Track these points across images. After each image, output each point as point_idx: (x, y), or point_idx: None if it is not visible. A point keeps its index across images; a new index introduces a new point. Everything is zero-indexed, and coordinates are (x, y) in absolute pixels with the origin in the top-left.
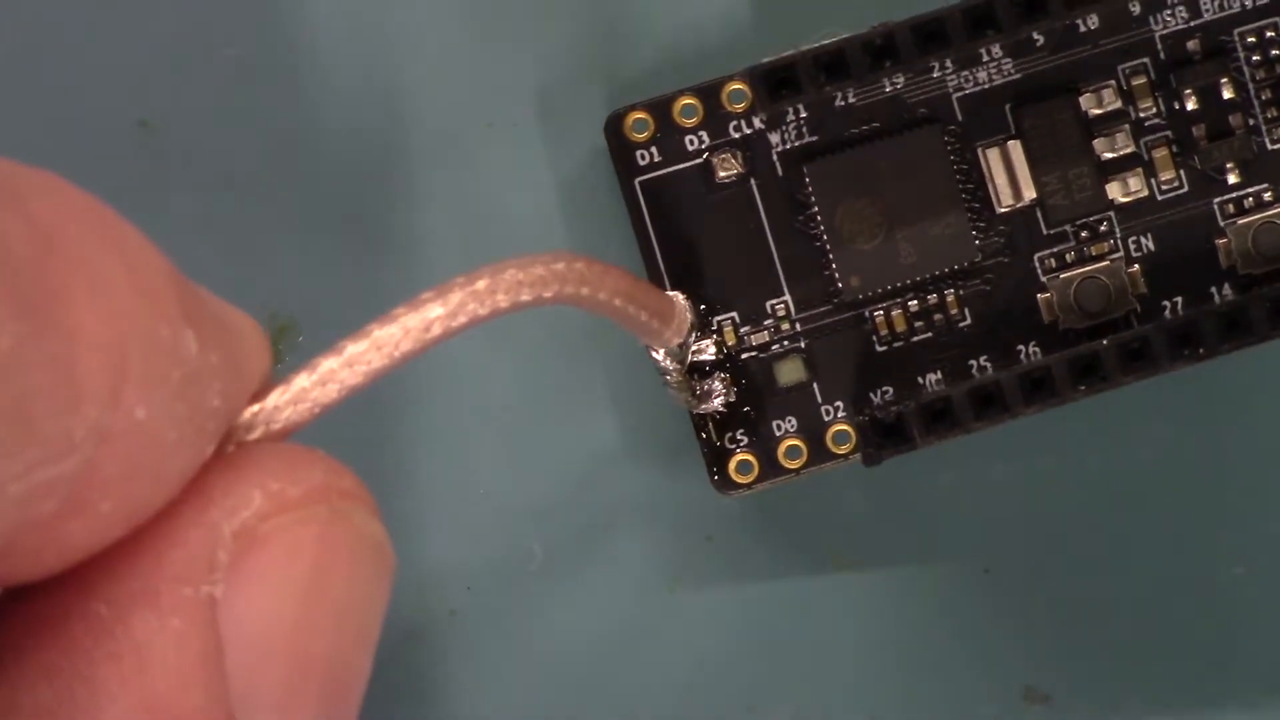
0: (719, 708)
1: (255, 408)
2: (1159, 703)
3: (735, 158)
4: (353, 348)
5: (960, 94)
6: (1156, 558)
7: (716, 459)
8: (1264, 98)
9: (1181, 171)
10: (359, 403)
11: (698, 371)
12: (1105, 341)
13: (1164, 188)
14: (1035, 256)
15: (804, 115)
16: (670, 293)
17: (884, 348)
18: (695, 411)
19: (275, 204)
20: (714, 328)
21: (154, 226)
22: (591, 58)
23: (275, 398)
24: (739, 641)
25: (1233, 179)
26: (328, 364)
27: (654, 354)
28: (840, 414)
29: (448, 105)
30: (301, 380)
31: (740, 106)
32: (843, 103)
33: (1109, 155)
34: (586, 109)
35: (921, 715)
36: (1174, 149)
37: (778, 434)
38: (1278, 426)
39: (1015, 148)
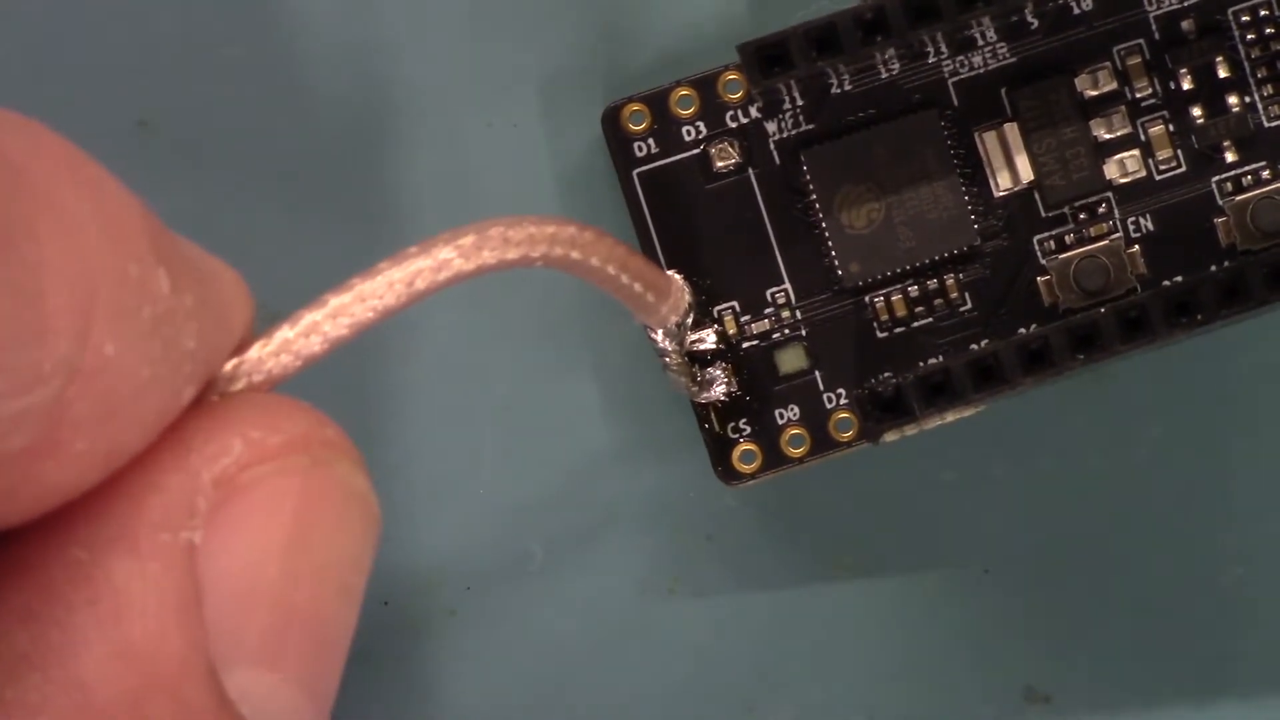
0: (719, 708)
1: (237, 359)
2: (1159, 703)
3: (732, 147)
4: (335, 300)
5: (956, 79)
6: (1156, 558)
7: (719, 449)
8: (1259, 75)
9: (1179, 151)
10: (356, 401)
11: (699, 361)
12: (1103, 310)
13: (1162, 167)
14: (1034, 239)
15: (800, 104)
16: (668, 271)
17: (885, 334)
18: (697, 401)
19: (274, 203)
20: (714, 317)
21: None
22: (589, 53)
23: (257, 349)
24: (739, 641)
25: (1230, 157)
26: (310, 316)
27: (652, 335)
28: (843, 401)
29: (447, 103)
30: (284, 332)
31: (736, 96)
32: (839, 90)
33: (1106, 136)
34: (584, 104)
35: (921, 715)
36: (1171, 128)
37: (780, 423)
38: (1278, 426)
39: (1012, 130)
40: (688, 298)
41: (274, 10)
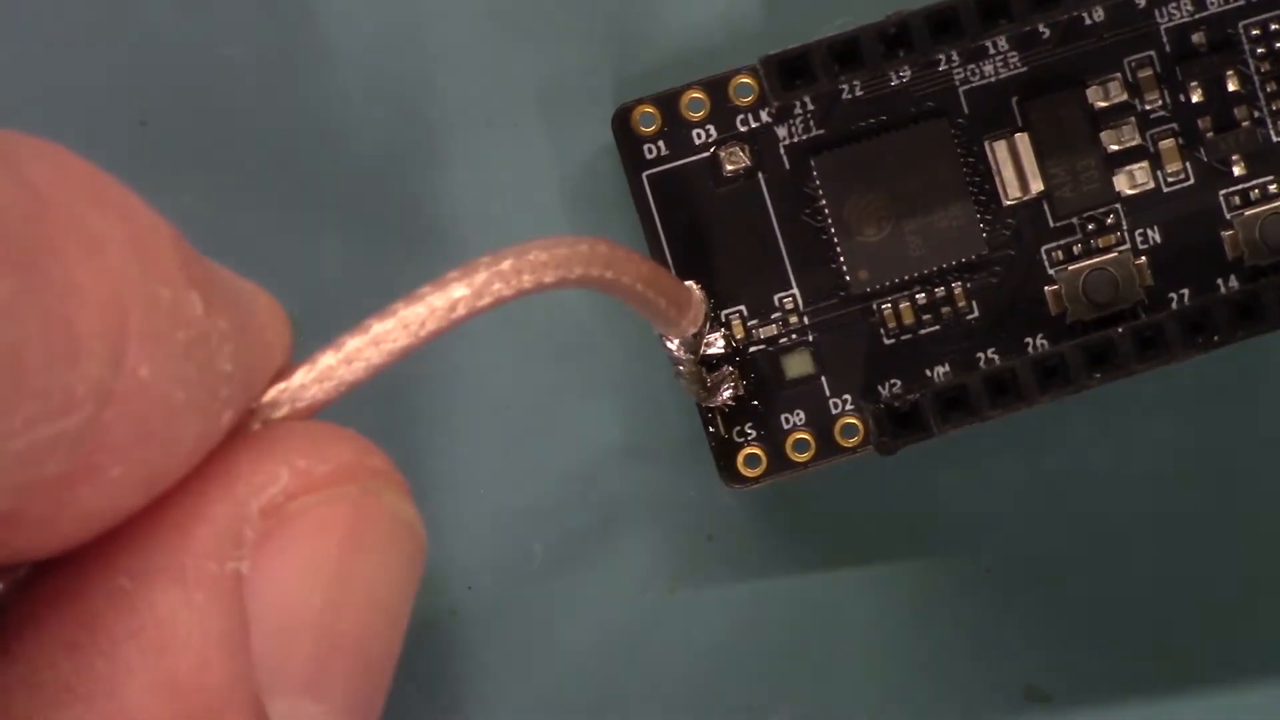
0: (718, 707)
1: (280, 386)
2: (1159, 702)
3: (742, 151)
4: (379, 326)
5: (967, 87)
6: (1157, 558)
7: (724, 452)
8: (1269, 90)
9: (1188, 164)
10: (358, 401)
11: (706, 364)
12: (1120, 329)
13: (1170, 180)
14: (1042, 249)
15: (811, 109)
16: (686, 282)
17: (892, 340)
18: (704, 405)
19: (276, 204)
20: (722, 321)
21: None
22: (598, 55)
23: (300, 376)
24: (738, 641)
25: (1239, 171)
26: (354, 342)
27: (668, 344)
28: (848, 407)
29: (451, 103)
30: (327, 358)
31: (747, 100)
32: (850, 96)
33: (1115, 148)
34: (593, 106)
35: (922, 715)
36: (1180, 141)
37: (786, 427)
38: (1279, 425)
39: (1022, 140)
40: (705, 309)
41: (275, 11)
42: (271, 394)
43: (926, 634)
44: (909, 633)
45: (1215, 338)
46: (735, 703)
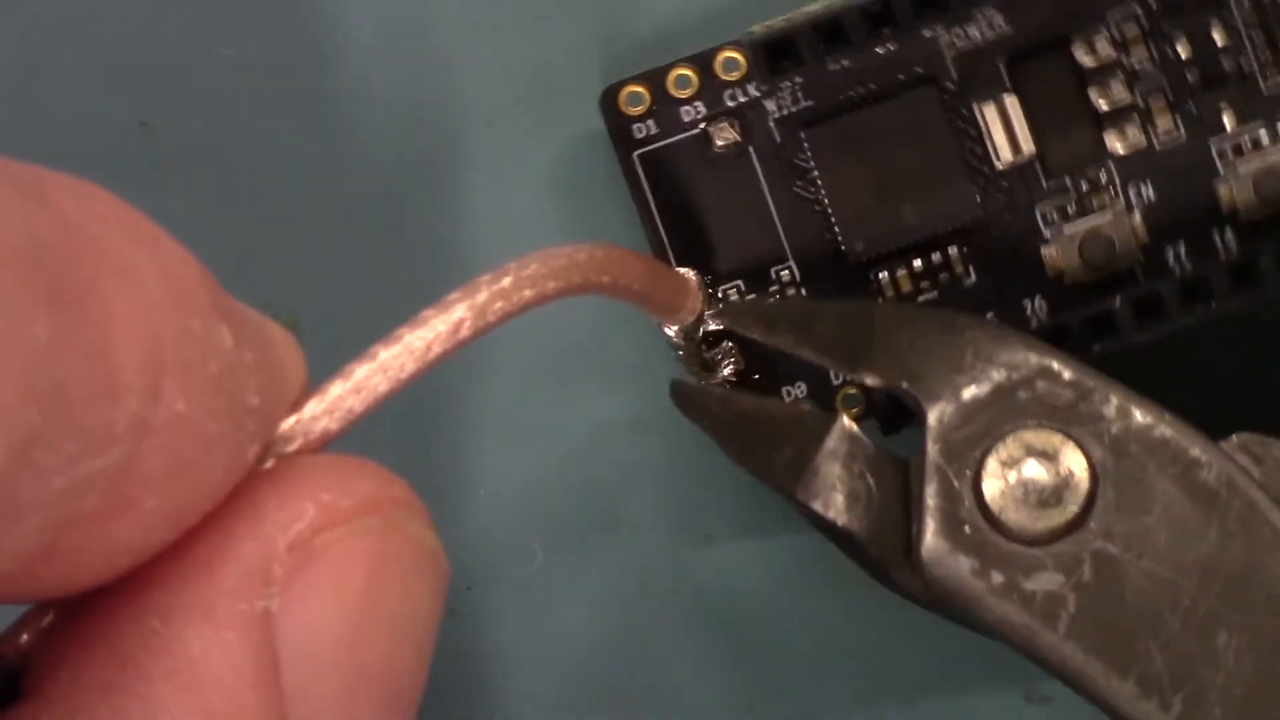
0: (719, 707)
1: (293, 419)
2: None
3: (732, 126)
4: (385, 353)
5: (954, 52)
6: None
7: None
8: (1256, 40)
9: (1178, 118)
10: None
11: (706, 341)
12: (1118, 300)
13: (1162, 136)
14: (1037, 210)
15: (799, 81)
16: (682, 270)
17: None
18: (706, 383)
19: (275, 204)
20: (720, 298)
21: None
22: (587, 45)
23: (312, 408)
24: (739, 641)
25: (1229, 122)
26: (362, 371)
27: (666, 330)
28: (849, 377)
29: (449, 97)
30: (336, 389)
31: (734, 75)
32: (837, 66)
33: (1105, 106)
34: (586, 91)
35: (922, 715)
36: (1170, 96)
37: (788, 400)
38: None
39: (1011, 102)
40: (702, 296)
41: (274, 12)
42: (284, 427)
43: (927, 634)
44: (909, 633)
45: (1214, 304)
46: (735, 703)
